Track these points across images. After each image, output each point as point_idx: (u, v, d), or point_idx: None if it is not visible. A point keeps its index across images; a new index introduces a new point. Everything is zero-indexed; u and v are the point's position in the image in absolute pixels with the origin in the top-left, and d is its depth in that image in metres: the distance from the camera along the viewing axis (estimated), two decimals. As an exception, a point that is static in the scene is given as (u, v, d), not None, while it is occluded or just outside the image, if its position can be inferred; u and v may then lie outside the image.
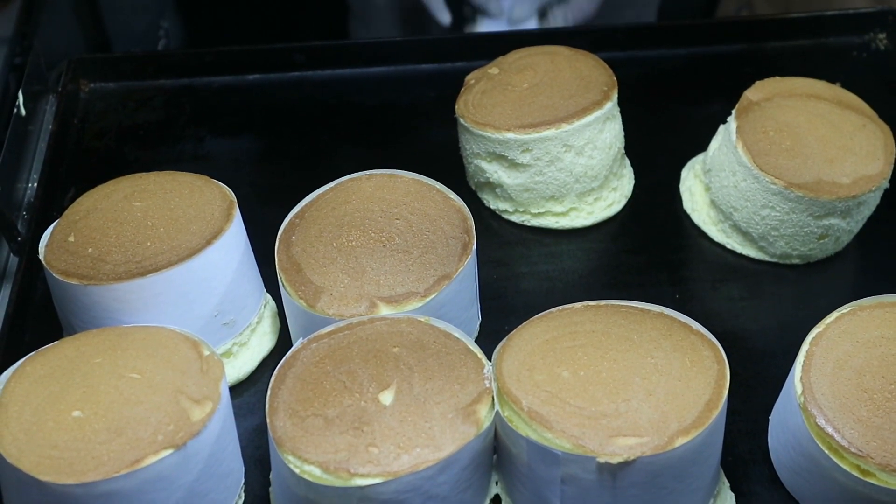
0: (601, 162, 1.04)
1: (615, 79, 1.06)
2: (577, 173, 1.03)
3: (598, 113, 1.02)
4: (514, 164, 1.03)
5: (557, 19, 1.43)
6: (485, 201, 1.09)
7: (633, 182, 1.12)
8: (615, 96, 1.05)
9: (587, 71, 1.06)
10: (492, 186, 1.07)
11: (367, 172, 0.96)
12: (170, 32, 1.67)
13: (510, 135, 1.01)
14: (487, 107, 1.04)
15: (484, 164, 1.05)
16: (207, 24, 1.81)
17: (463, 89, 1.08)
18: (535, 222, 1.07)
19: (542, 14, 1.43)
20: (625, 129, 1.09)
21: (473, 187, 1.11)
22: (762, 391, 0.94)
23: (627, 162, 1.13)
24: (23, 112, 1.13)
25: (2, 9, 1.25)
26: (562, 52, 1.09)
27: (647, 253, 1.07)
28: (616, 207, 1.09)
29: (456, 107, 1.06)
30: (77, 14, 1.52)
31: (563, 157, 1.02)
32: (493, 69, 1.09)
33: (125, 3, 1.61)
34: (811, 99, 1.04)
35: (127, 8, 1.61)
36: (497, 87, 1.06)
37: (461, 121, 1.05)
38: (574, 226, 1.07)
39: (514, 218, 1.08)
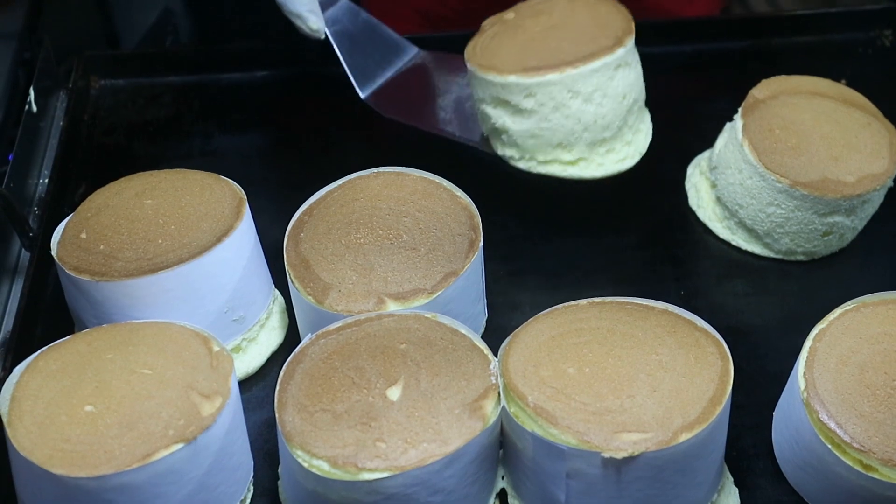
0: (613, 111, 0.99)
1: (633, 25, 1.01)
2: (585, 121, 0.98)
3: (606, 59, 0.97)
4: (518, 110, 0.99)
5: None
6: (495, 147, 1.05)
7: (650, 139, 1.05)
8: (630, 43, 1.00)
9: (605, 16, 1.01)
10: (498, 133, 1.02)
11: (375, 170, 0.97)
12: (178, 28, 1.68)
13: (512, 78, 0.97)
14: (495, 50, 1.00)
15: (489, 110, 1.01)
16: (216, 20, 1.82)
17: (476, 34, 1.05)
18: (542, 169, 1.02)
19: None
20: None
21: (486, 133, 1.06)
22: (766, 386, 0.94)
23: (647, 118, 1.07)
24: (34, 108, 1.14)
25: (9, 4, 1.26)
26: None
27: (653, 249, 1.08)
28: (629, 162, 1.03)
29: (465, 51, 1.03)
30: (85, 10, 1.52)
31: (569, 103, 0.97)
32: (509, 14, 1.05)
33: (133, 1, 1.61)
34: (816, 97, 1.04)
35: (135, 4, 1.62)
36: (508, 31, 1.02)
37: (468, 64, 1.02)
38: (583, 176, 1.02)
39: (521, 164, 1.03)
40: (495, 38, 1.02)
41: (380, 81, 1.12)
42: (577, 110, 0.98)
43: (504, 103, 0.99)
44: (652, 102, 1.20)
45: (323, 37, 1.06)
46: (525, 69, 0.97)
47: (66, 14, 1.42)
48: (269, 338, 0.97)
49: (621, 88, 1.00)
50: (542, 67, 0.96)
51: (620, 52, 0.98)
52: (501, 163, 1.15)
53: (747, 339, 0.99)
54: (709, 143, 1.11)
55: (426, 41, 1.18)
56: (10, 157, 1.11)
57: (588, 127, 0.99)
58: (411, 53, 1.14)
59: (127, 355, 0.81)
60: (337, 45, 1.08)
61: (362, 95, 1.09)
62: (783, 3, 1.46)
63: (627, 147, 1.04)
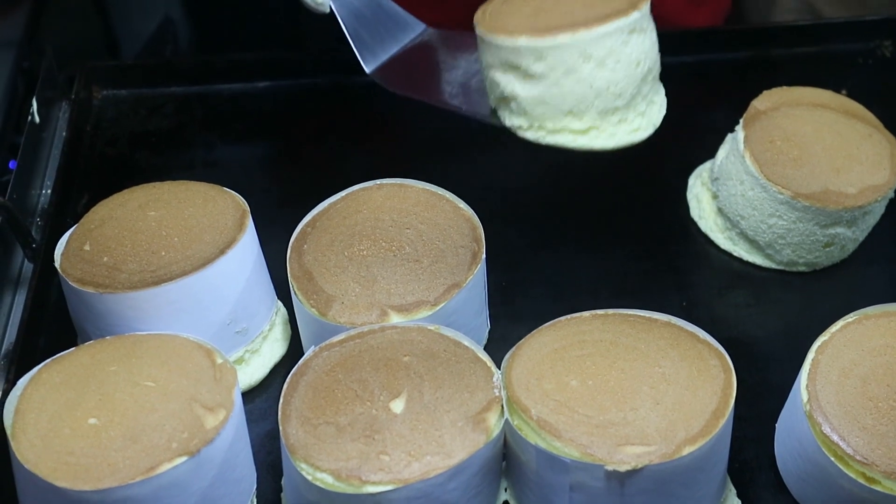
0: (626, 78, 0.96)
1: None
2: (598, 87, 0.95)
3: (620, 22, 0.94)
4: (527, 75, 0.95)
5: None
6: (503, 118, 1.02)
7: (664, 113, 1.02)
8: (645, 8, 0.97)
9: None
10: (507, 101, 0.99)
11: (378, 182, 0.97)
12: (178, 37, 1.68)
13: (523, 40, 0.93)
14: (505, 13, 0.97)
15: (498, 76, 0.98)
16: (216, 29, 1.82)
17: (487, 1, 1.02)
18: (551, 140, 0.98)
19: None
20: (632, 137, 1.09)
21: (493, 105, 1.03)
22: (768, 397, 0.94)
23: (661, 90, 1.03)
24: (37, 119, 1.14)
25: (9, 12, 1.27)
26: None
27: (654, 260, 1.08)
28: (642, 134, 1.00)
29: (475, 16, 1.01)
30: (85, 18, 1.53)
31: (581, 67, 0.94)
32: None
33: (133, 9, 1.62)
34: (818, 108, 1.05)
35: (136, 12, 1.62)
36: None
37: (477, 29, 0.99)
38: (593, 147, 0.98)
39: (529, 135, 0.99)
40: (506, 4, 0.99)
41: (385, 57, 1.10)
42: (589, 75, 0.95)
43: (513, 68, 0.96)
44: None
45: (328, 11, 1.03)
46: (536, 31, 0.94)
47: (66, 22, 1.42)
48: (272, 349, 0.98)
49: (635, 55, 0.96)
50: (553, 29, 0.93)
51: (635, 15, 0.95)
52: (503, 173, 1.16)
53: (749, 351, 0.99)
54: (710, 153, 1.11)
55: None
56: (11, 164, 1.12)
57: (600, 93, 0.96)
58: (418, 30, 1.12)
59: (130, 368, 0.81)
60: (342, 20, 1.05)
61: (367, 70, 1.07)
62: (823, 10, 1.45)
63: (640, 118, 1.00)
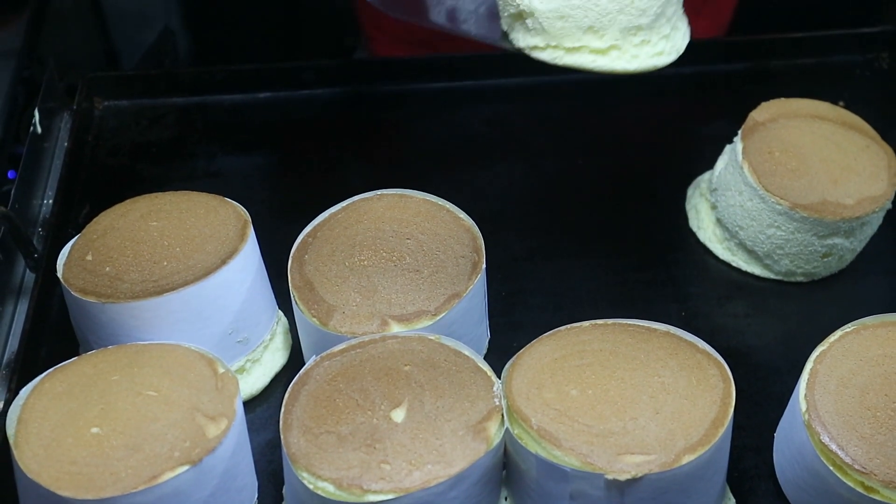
0: None
1: None
2: (622, 0, 0.89)
3: None
4: None
5: None
6: (517, 40, 0.95)
7: (687, 40, 0.96)
8: None
9: None
10: (522, 18, 0.92)
11: (379, 192, 0.98)
12: (177, 47, 1.69)
13: None
14: None
15: None
16: (215, 40, 1.83)
17: None
18: (569, 60, 0.92)
19: None
20: (630, 147, 1.09)
21: (505, 27, 0.97)
22: (767, 407, 0.95)
23: (686, 19, 0.97)
24: (39, 130, 1.15)
25: (9, 22, 1.27)
26: None
27: (653, 270, 1.08)
28: (665, 59, 0.93)
29: None
30: (85, 28, 1.53)
31: None
32: None
33: (133, 19, 1.62)
34: (816, 120, 1.05)
35: (135, 23, 1.63)
36: None
37: None
38: (614, 69, 0.92)
39: (545, 55, 0.92)
40: None
41: None
42: None
43: None
44: (652, 124, 1.22)
45: None
46: None
47: (66, 32, 1.43)
48: (273, 359, 0.98)
49: None
50: None
51: None
52: (503, 183, 1.17)
53: (748, 361, 1.00)
54: (709, 164, 1.12)
55: (433, 62, 1.19)
56: (10, 173, 1.12)
57: (623, 8, 0.90)
58: None
59: (133, 377, 0.82)
60: None
61: None
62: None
63: (665, 41, 0.94)
